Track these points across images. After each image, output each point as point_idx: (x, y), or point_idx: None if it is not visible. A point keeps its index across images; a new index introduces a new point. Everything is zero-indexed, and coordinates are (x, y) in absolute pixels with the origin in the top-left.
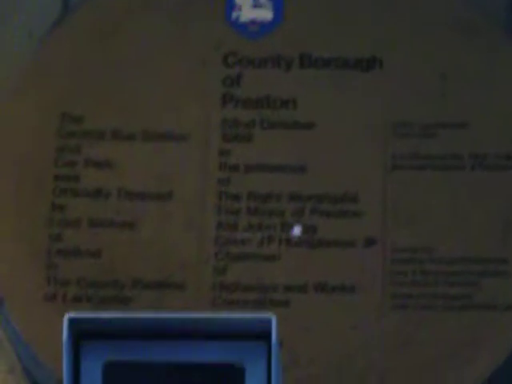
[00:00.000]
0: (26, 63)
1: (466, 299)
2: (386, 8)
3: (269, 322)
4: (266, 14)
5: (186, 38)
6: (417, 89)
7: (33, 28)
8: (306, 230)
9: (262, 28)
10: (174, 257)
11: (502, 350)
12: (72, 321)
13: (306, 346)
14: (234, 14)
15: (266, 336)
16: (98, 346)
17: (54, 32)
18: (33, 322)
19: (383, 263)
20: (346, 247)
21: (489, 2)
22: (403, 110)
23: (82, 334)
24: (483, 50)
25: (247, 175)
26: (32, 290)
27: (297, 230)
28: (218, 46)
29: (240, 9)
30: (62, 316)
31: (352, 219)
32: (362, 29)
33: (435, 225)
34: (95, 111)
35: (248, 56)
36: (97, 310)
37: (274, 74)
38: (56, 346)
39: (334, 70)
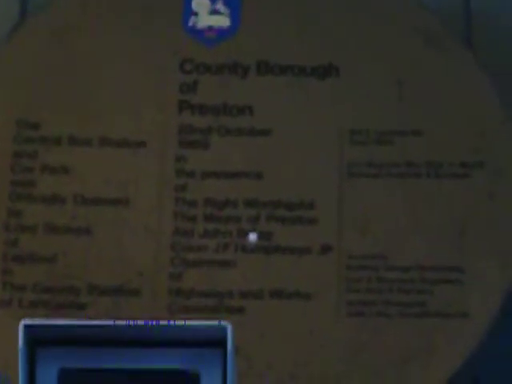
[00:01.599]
0: None
1: (421, 307)
2: (343, 15)
3: (224, 329)
4: (223, 21)
5: (142, 44)
6: (373, 96)
7: None
8: (261, 236)
9: (219, 35)
10: (130, 263)
11: (456, 357)
12: (27, 327)
13: (262, 353)
14: (191, 21)
15: (222, 343)
16: (54, 352)
17: (9, 37)
18: None
19: (339, 270)
20: (302, 254)
21: (446, 9)
22: (359, 118)
23: (37, 340)
24: (440, 57)
25: (204, 182)
26: None
27: (253, 237)
28: (175, 52)
29: (197, 15)
30: (18, 321)
31: (308, 226)
32: (319, 36)
33: (390, 232)
34: (52, 117)
35: (205, 63)
36: (53, 315)
37: (230, 81)
38: (11, 351)
39: (291, 77)
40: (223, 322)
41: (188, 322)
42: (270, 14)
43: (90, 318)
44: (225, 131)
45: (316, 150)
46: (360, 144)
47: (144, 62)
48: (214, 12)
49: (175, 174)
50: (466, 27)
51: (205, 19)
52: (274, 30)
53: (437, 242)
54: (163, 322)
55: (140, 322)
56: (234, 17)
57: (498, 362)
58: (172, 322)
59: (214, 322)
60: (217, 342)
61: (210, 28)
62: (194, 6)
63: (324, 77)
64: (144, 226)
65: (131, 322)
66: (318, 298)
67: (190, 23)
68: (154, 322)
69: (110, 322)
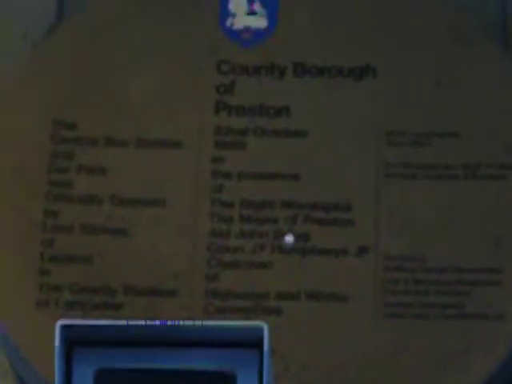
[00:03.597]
0: (20, 69)
1: (458, 308)
2: (381, 16)
3: (261, 330)
4: (260, 22)
5: (179, 45)
6: (410, 97)
7: (27, 29)
8: (298, 237)
9: (256, 35)
10: (166, 264)
11: (493, 359)
12: (64, 327)
13: (298, 354)
14: (228, 21)
15: (258, 344)
16: (90, 352)
17: (47, 38)
18: (25, 329)
19: (375, 272)
20: (339, 255)
21: (482, 8)
22: (396, 119)
23: (74, 340)
24: (477, 58)
25: (240, 183)
26: (24, 296)
27: (289, 238)
28: (212, 53)
29: (234, 16)
30: (55, 322)
31: (345, 227)
32: (356, 37)
33: (427, 234)
34: (88, 117)
35: (241, 63)
36: (89, 316)
37: (267, 82)
38: (48, 352)
39: (328, 78)
40: (260, 323)
41: (224, 323)
42: (307, 14)
43: (127, 319)
44: (261, 132)
45: (353, 152)
46: (397, 145)
47: (181, 62)
48: (251, 13)
49: (211, 174)
50: (503, 27)
51: (242, 20)
52: (310, 31)
53: (474, 243)
54: (200, 323)
55: (177, 322)
56: (271, 17)
57: None
58: (208, 323)
59: (251, 323)
60: (253, 342)
61: (247, 29)
62: (231, 6)
63: (361, 78)
64: (180, 226)
65: (168, 323)
66: (355, 299)
67: (227, 24)
68: (191, 323)
69: (147, 323)
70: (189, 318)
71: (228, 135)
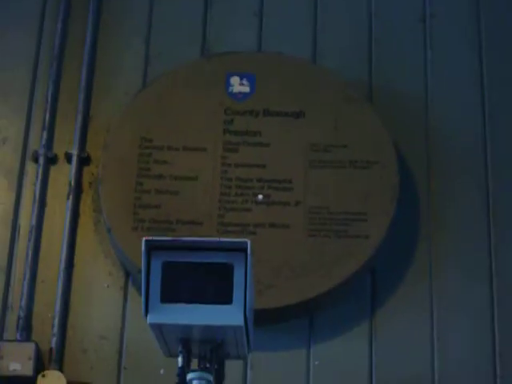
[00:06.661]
0: (122, 111)
1: (345, 232)
2: (303, 84)
3: (246, 243)
4: (246, 88)
5: (206, 102)
6: (324, 128)
7: (128, 88)
8: (265, 196)
9: (244, 95)
10: (198, 208)
11: (361, 260)
12: (147, 241)
13: (264, 255)
14: (230, 88)
15: (245, 250)
16: (160, 253)
17: (135, 97)
18: (128, 240)
19: (304, 214)
20: (285, 205)
21: (357, 80)
22: (317, 142)
23: (152, 247)
24: (357, 111)
25: (236, 169)
26: (126, 224)
27: (260, 197)
28: (222, 104)
29: (233, 85)
30: (141, 239)
31: (288, 191)
32: (295, 93)
33: (330, 195)
34: (158, 136)
35: (237, 110)
36: (158, 235)
37: (250, 119)
38: (138, 257)
39: (281, 117)
40: (246, 240)
41: (228, 239)
42: (270, 85)
43: (179, 236)
44: (247, 144)
45: (295, 156)
46: (316, 151)
47: (207, 110)
48: (241, 84)
49: (221, 165)
50: (369, 92)
51: (237, 87)
52: (272, 93)
53: (354, 200)
54: (215, 239)
55: (205, 240)
56: (251, 86)
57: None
58: (220, 239)
59: (241, 239)
60: (242, 249)
61: (240, 92)
62: (231, 81)
63: (298, 117)
64: (206, 190)
65: (202, 239)
66: (294, 227)
67: (229, 90)
68: (212, 240)
69: (189, 239)
70: (209, 236)
71: (230, 145)
